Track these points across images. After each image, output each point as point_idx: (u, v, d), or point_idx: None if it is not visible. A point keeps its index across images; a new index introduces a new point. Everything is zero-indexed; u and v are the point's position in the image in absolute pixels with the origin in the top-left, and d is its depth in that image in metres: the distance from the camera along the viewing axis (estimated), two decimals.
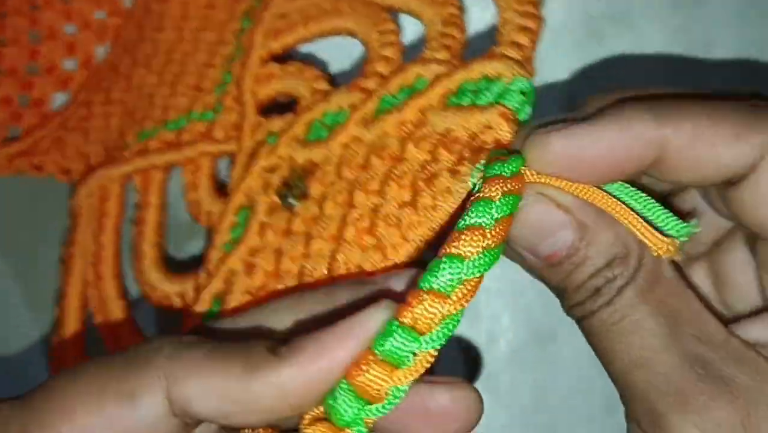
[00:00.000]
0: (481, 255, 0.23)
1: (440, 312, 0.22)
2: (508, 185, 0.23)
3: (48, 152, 0.40)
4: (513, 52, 0.28)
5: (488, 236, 0.23)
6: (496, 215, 0.23)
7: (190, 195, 0.36)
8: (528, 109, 0.27)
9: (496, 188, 0.23)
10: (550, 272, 0.25)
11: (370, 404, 0.22)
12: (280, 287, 0.31)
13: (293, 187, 0.32)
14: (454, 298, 0.22)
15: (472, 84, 0.28)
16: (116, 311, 0.37)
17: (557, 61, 0.40)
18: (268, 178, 0.33)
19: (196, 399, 0.23)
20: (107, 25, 0.41)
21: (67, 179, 0.40)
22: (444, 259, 0.22)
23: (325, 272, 0.29)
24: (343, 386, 0.22)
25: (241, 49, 0.36)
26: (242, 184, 0.33)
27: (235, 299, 0.32)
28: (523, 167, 0.25)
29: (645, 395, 0.23)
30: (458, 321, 0.23)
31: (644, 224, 0.24)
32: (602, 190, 0.25)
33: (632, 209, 0.24)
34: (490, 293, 0.40)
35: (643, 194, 0.25)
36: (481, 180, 0.24)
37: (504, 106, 0.27)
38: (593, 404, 0.40)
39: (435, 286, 0.22)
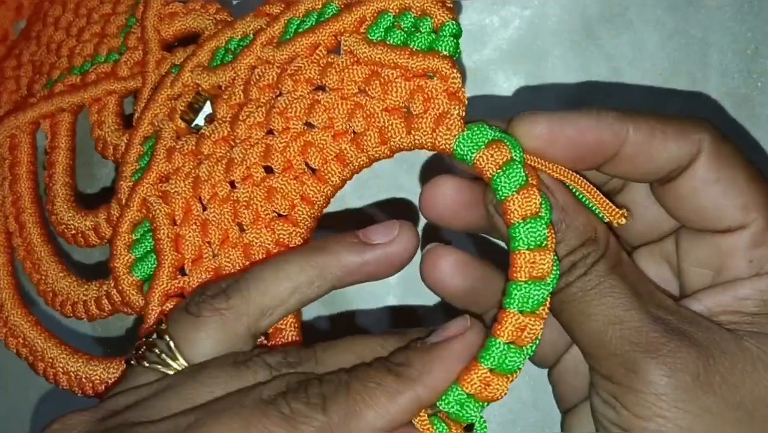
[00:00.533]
0: (554, 271, 0.26)
1: (535, 329, 0.26)
2: (539, 195, 0.26)
3: None
4: None
5: (551, 250, 0.26)
6: (546, 226, 0.26)
7: (96, 132, 0.37)
8: (459, 52, 0.29)
9: (533, 199, 0.26)
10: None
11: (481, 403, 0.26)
12: (203, 212, 0.32)
13: (197, 108, 0.32)
14: (542, 313, 0.27)
15: (390, 16, 0.30)
16: (45, 256, 0.37)
17: (555, 62, 0.40)
18: (173, 105, 0.33)
19: None
20: (23, 2, 0.42)
21: None
22: (525, 282, 0.26)
23: (253, 192, 0.31)
24: (459, 391, 0.26)
25: None
26: (147, 114, 0.33)
27: (160, 227, 0.32)
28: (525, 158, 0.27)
29: (619, 348, 0.26)
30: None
31: (605, 199, 0.28)
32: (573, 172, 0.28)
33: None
34: None
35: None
36: (472, 156, 0.27)
37: (449, 55, 0.29)
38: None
39: (525, 308, 0.26)
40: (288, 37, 0.31)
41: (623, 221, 0.28)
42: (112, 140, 0.36)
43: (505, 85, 0.40)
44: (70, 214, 0.36)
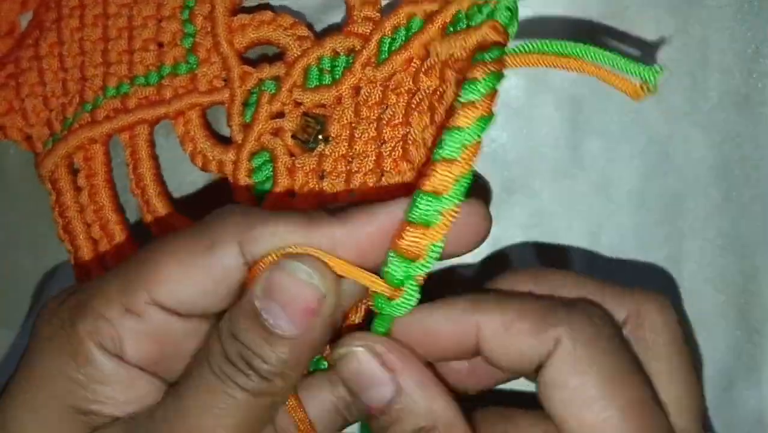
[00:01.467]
0: (476, 124, 0.27)
1: (452, 174, 0.26)
2: (490, 67, 0.27)
3: None
4: None
5: (479, 107, 0.26)
6: (482, 91, 0.27)
7: (189, 146, 0.38)
8: (516, 24, 0.30)
9: (481, 70, 0.27)
10: (369, 419, 0.28)
11: (414, 262, 0.26)
12: None
13: (310, 129, 0.35)
14: (461, 161, 0.26)
15: (464, 14, 0.32)
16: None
17: None
18: (275, 124, 0.36)
19: (263, 245, 0.25)
20: None
21: (2, 136, 0.41)
22: (446, 133, 0.26)
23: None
24: (391, 254, 0.26)
25: (194, 0, 0.38)
26: (252, 132, 0.36)
27: None
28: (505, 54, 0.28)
29: None
30: (469, 178, 0.27)
31: (613, 72, 0.28)
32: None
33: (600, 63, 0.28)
34: None
35: (610, 52, 0.28)
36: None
37: (493, 20, 0.29)
38: None
39: (444, 155, 0.26)
40: (384, 56, 0.34)
41: (647, 90, 0.27)
42: (214, 155, 0.37)
43: (505, 85, 0.40)
44: (179, 221, 0.38)
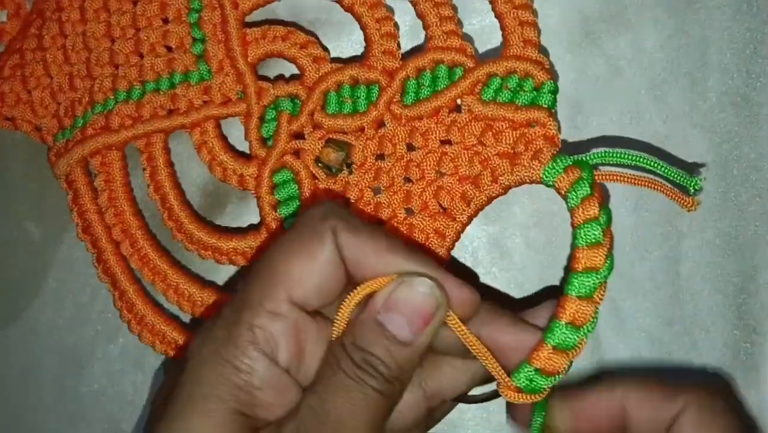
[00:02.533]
0: (607, 264, 0.32)
1: (590, 312, 0.31)
2: (597, 201, 0.32)
3: None
4: (532, 52, 0.37)
5: (605, 246, 0.32)
6: (603, 228, 0.32)
7: (207, 156, 0.39)
8: (556, 106, 0.36)
9: (593, 206, 0.32)
10: None
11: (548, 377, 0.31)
12: None
13: (335, 155, 0.37)
14: (596, 299, 0.32)
15: (498, 79, 0.36)
16: (163, 265, 0.39)
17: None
18: (295, 144, 0.38)
19: (360, 252, 0.30)
20: None
21: (11, 126, 0.41)
22: (583, 275, 0.31)
23: (398, 229, 0.37)
24: (527, 367, 0.31)
25: (200, 3, 0.39)
26: (274, 151, 0.38)
27: None
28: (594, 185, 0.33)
29: None
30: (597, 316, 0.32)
31: (671, 188, 0.34)
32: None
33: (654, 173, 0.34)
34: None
35: (658, 161, 0.34)
36: (553, 176, 0.34)
37: (548, 108, 0.36)
38: None
39: (582, 294, 0.31)
40: (410, 96, 0.37)
41: (694, 208, 0.34)
42: (236, 169, 0.39)
43: None
44: (204, 233, 0.39)
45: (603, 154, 0.34)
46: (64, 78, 0.40)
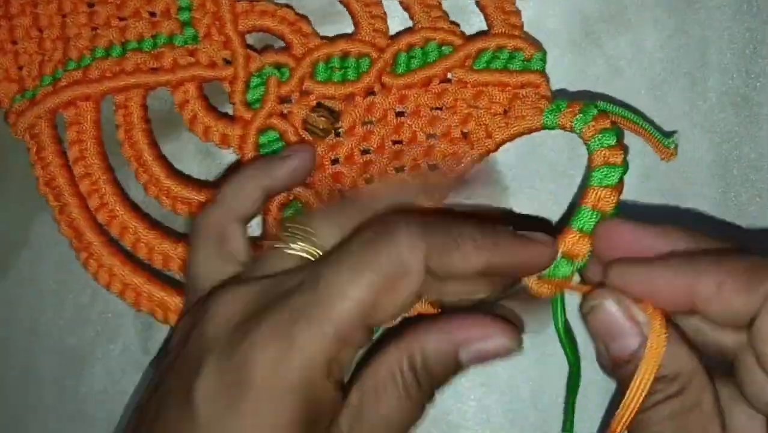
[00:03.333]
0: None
1: (612, 198, 0.32)
2: (619, 154, 0.33)
3: None
4: (519, 33, 0.38)
5: (617, 192, 0.32)
6: (616, 179, 0.32)
7: (188, 114, 0.39)
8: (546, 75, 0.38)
9: (618, 154, 0.33)
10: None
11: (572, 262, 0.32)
12: None
13: (325, 119, 0.38)
14: (617, 192, 0.33)
15: (490, 53, 0.38)
16: (132, 220, 0.39)
17: (553, 63, 0.40)
18: (283, 107, 0.39)
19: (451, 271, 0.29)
20: None
21: None
22: (602, 166, 0.33)
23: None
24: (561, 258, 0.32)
25: None
26: (262, 110, 0.38)
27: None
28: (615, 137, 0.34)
29: None
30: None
31: (653, 137, 0.36)
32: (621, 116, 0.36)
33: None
34: None
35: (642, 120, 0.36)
36: (557, 120, 0.35)
37: (540, 72, 0.37)
38: (590, 401, 0.40)
39: (607, 183, 0.33)
40: (400, 68, 0.38)
41: (673, 158, 0.36)
42: (218, 128, 0.39)
43: None
44: (179, 188, 0.39)
45: (596, 104, 0.35)
46: (31, 43, 0.40)
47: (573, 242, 0.31)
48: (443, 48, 0.38)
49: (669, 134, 0.37)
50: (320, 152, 0.38)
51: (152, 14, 0.40)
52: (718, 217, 0.39)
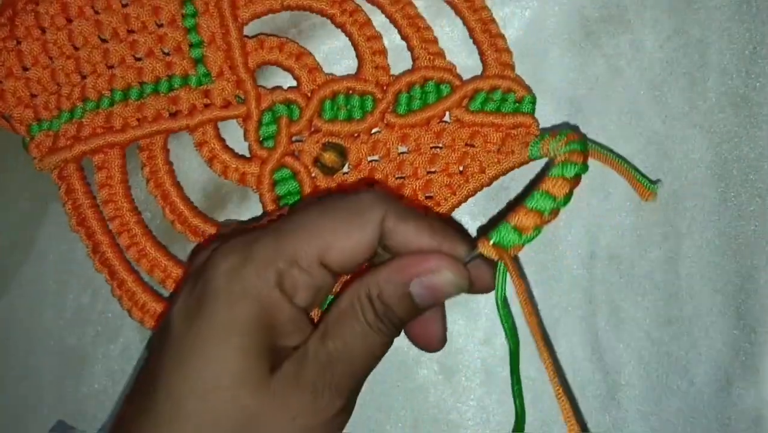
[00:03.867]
0: (564, 197, 0.33)
1: (568, 186, 0.33)
2: (580, 156, 0.34)
3: None
4: (511, 74, 0.40)
5: (571, 184, 0.33)
6: (572, 173, 0.33)
7: (207, 154, 0.41)
8: (534, 111, 0.40)
9: (579, 156, 0.34)
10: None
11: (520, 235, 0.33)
12: None
13: (334, 158, 0.40)
14: (573, 181, 0.34)
15: (484, 94, 0.40)
16: (161, 256, 0.41)
17: (554, 63, 0.40)
18: (300, 147, 0.41)
19: (400, 236, 0.33)
20: None
21: None
22: (563, 162, 0.34)
23: None
24: (505, 224, 0.33)
25: (194, 9, 0.41)
26: (276, 151, 0.41)
27: None
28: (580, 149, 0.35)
29: None
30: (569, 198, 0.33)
31: (635, 179, 0.37)
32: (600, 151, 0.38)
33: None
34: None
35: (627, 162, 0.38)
36: (532, 150, 0.38)
37: (530, 114, 0.40)
38: (588, 401, 0.40)
39: (556, 174, 0.33)
40: (402, 107, 0.41)
41: (652, 198, 0.37)
42: (237, 167, 0.41)
43: None
44: (206, 226, 0.41)
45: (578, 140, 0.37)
46: (43, 71, 0.40)
47: (521, 216, 0.33)
48: (441, 87, 0.40)
49: (653, 182, 0.38)
50: (330, 188, 0.41)
51: (164, 52, 0.41)
52: (717, 217, 0.40)
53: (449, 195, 0.40)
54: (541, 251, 0.40)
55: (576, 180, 0.34)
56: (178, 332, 0.32)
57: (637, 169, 0.37)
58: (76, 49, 0.41)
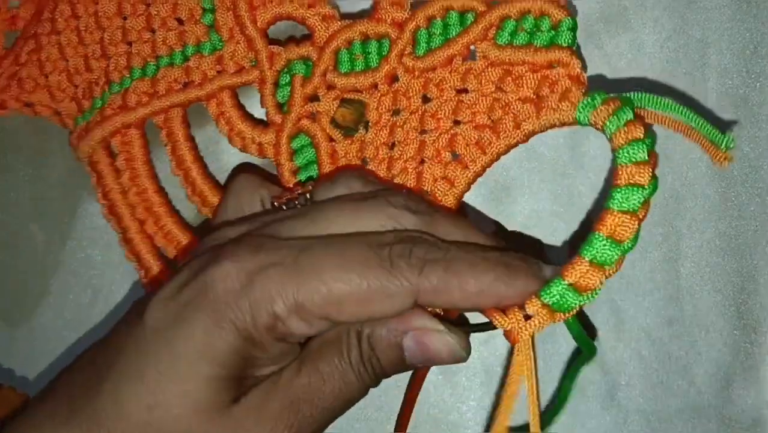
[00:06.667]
0: (651, 182, 0.29)
1: (634, 226, 0.29)
2: (642, 126, 0.30)
3: (7, 89, 0.41)
4: None
5: (651, 164, 0.29)
6: (648, 148, 0.29)
7: (225, 128, 0.39)
8: (576, 42, 0.35)
9: (637, 128, 0.30)
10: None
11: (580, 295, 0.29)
12: None
13: (350, 115, 0.36)
14: (640, 215, 0.30)
15: (512, 22, 0.35)
16: (184, 239, 0.39)
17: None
18: (311, 107, 0.37)
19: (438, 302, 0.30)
20: None
21: (31, 112, 0.41)
22: (627, 189, 0.29)
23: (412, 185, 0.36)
24: (562, 282, 0.29)
25: None
26: (289, 117, 0.37)
27: None
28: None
29: None
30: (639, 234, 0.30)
31: (705, 139, 0.31)
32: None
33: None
34: None
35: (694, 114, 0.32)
36: (589, 116, 0.32)
37: (568, 46, 0.34)
38: (589, 401, 0.40)
39: (626, 208, 0.29)
40: (421, 47, 0.36)
41: (726, 163, 0.31)
42: (254, 137, 0.38)
43: None
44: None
45: (639, 97, 0.32)
46: (79, 60, 0.40)
47: (582, 273, 0.28)
48: (465, 16, 0.36)
49: (723, 131, 0.32)
50: (351, 153, 0.37)
51: (179, 21, 0.39)
52: (718, 217, 0.39)
53: (478, 154, 0.35)
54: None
55: (645, 209, 0.29)
56: (151, 329, 0.29)
57: (709, 127, 0.32)
58: (103, 31, 0.40)
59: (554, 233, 0.40)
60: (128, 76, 0.39)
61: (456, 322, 0.32)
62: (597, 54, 0.40)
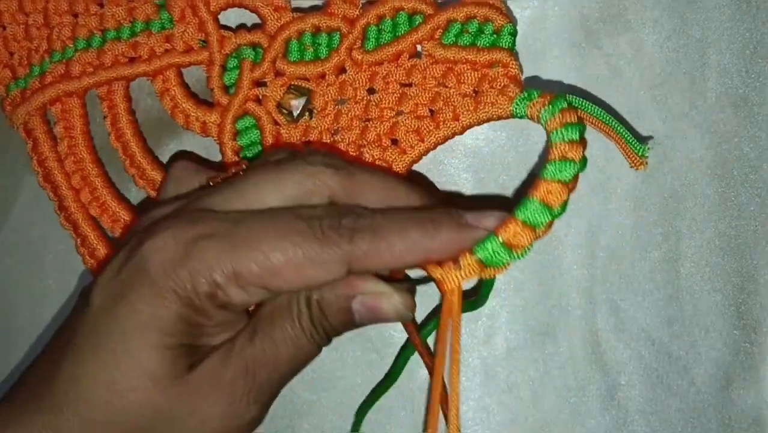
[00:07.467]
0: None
1: (564, 195, 0.30)
2: (575, 113, 0.32)
3: None
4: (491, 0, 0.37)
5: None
6: (570, 174, 0.30)
7: (169, 104, 0.40)
8: (515, 47, 0.37)
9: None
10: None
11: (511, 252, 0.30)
12: None
13: (297, 101, 0.38)
14: (571, 185, 0.31)
15: (459, 24, 0.37)
16: (119, 210, 0.40)
17: (554, 62, 0.40)
18: (258, 91, 0.39)
19: (371, 263, 0.30)
20: None
21: None
22: (561, 162, 0.30)
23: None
24: (494, 239, 0.30)
25: None
26: (236, 98, 0.38)
27: None
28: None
29: None
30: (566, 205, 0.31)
31: (625, 144, 0.35)
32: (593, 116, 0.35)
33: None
34: None
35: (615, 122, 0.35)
36: (525, 108, 0.33)
37: (508, 49, 0.37)
38: (589, 401, 0.40)
39: (560, 178, 0.30)
40: (371, 42, 0.38)
41: (642, 168, 0.35)
42: (198, 116, 0.39)
43: None
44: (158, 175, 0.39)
45: (572, 99, 0.34)
46: (18, 28, 0.40)
47: (515, 232, 0.30)
48: (414, 17, 0.38)
49: (643, 141, 0.36)
50: (295, 137, 0.38)
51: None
52: (718, 217, 0.40)
53: (416, 141, 0.37)
54: (541, 251, 0.40)
55: (574, 182, 0.31)
56: (97, 309, 0.30)
57: (629, 135, 0.35)
58: (47, 2, 0.40)
59: (553, 233, 0.40)
60: (71, 46, 0.39)
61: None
62: (597, 54, 0.40)
